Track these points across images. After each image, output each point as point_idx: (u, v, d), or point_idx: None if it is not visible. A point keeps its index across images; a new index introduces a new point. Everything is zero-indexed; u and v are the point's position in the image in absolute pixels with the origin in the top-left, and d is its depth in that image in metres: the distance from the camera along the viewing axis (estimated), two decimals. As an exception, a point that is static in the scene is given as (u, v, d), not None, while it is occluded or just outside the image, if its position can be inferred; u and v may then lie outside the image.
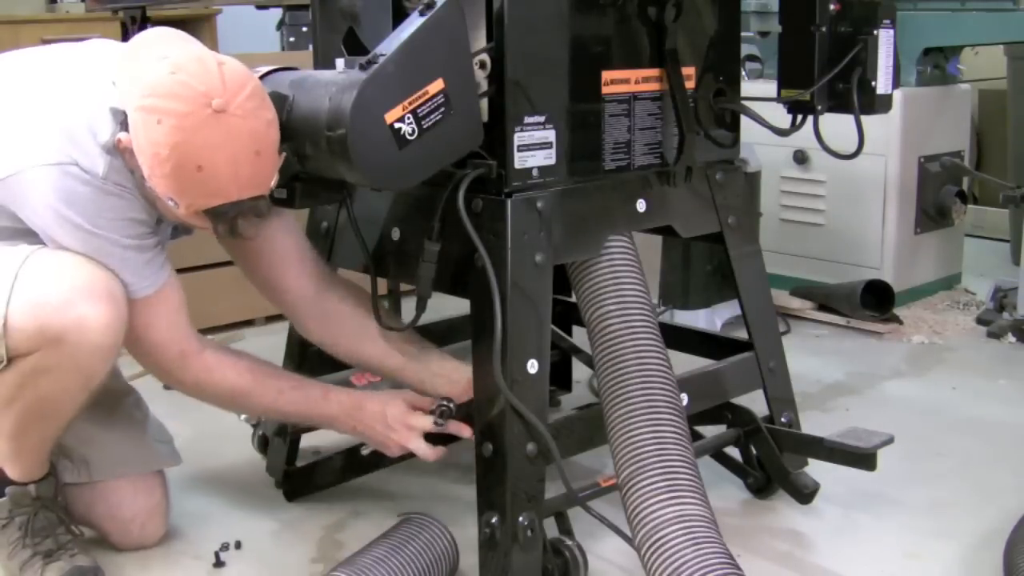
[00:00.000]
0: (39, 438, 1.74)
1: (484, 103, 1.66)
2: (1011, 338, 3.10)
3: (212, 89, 1.50)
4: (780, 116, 2.01)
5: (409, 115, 1.54)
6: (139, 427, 1.97)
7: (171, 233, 1.82)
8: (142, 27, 2.73)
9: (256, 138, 1.53)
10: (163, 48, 1.60)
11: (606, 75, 1.80)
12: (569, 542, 1.74)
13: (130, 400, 1.98)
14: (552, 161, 1.73)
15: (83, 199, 1.58)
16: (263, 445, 2.26)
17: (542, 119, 1.70)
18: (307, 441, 2.28)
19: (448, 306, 1.99)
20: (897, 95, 2.46)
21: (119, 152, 1.58)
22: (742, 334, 2.11)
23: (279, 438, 2.18)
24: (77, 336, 1.57)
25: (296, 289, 1.90)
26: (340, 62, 1.66)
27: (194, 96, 1.49)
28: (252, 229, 1.61)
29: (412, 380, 1.92)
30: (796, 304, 3.34)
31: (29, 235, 1.64)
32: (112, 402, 1.93)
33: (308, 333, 1.96)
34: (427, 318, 1.87)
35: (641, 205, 1.87)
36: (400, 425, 1.82)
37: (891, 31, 1.98)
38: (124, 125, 1.56)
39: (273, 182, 1.58)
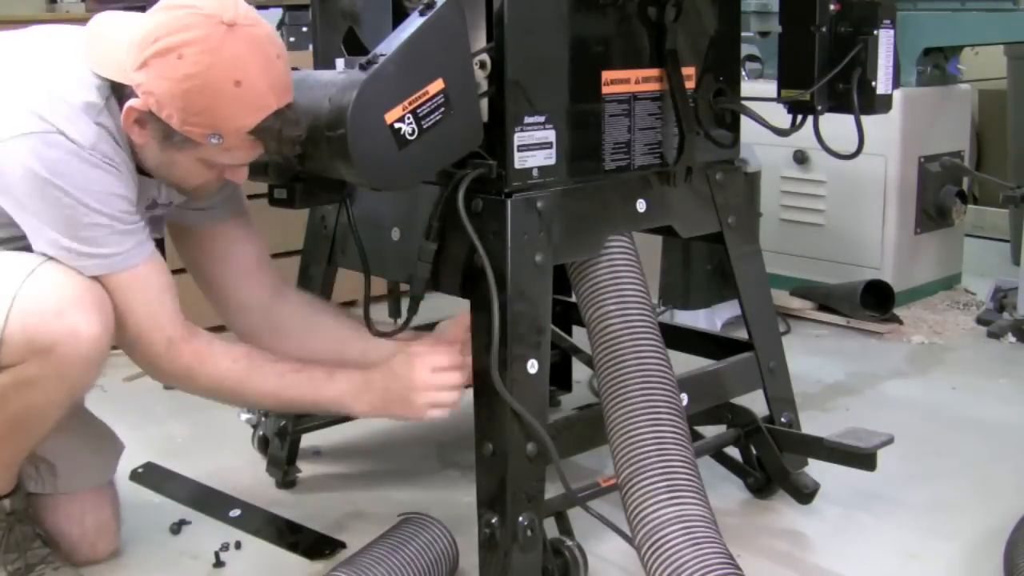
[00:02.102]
0: (15, 451, 1.70)
1: (484, 103, 1.66)
2: (1011, 338, 3.10)
3: (215, 9, 1.48)
4: (780, 116, 2.01)
5: (409, 115, 1.54)
6: (100, 433, 1.91)
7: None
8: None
9: (272, 41, 1.53)
10: (126, 19, 1.60)
11: (606, 75, 1.80)
12: (569, 542, 1.74)
13: (82, 399, 1.91)
14: (552, 161, 1.72)
15: (70, 169, 1.51)
16: (263, 445, 2.26)
17: (542, 119, 1.70)
18: (307, 441, 2.28)
19: (448, 306, 1.98)
20: (897, 95, 2.46)
21: (126, 128, 1.54)
22: (742, 334, 2.11)
23: (279, 438, 2.18)
24: (68, 347, 1.53)
25: (243, 302, 1.83)
26: (340, 62, 1.66)
27: (203, 19, 1.47)
28: (296, 145, 1.56)
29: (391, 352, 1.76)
30: (796, 304, 3.34)
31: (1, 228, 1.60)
32: (78, 409, 1.87)
33: (255, 343, 1.83)
34: (426, 318, 1.87)
35: (641, 205, 1.86)
36: (428, 388, 1.68)
37: (891, 31, 1.98)
38: (120, 99, 1.53)
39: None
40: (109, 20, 1.64)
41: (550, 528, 1.73)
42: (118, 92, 1.55)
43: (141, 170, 1.63)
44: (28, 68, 1.59)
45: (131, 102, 1.52)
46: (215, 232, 1.83)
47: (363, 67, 1.52)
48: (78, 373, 1.58)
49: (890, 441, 1.85)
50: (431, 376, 1.68)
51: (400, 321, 1.86)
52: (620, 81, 1.82)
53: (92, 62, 1.57)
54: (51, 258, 1.56)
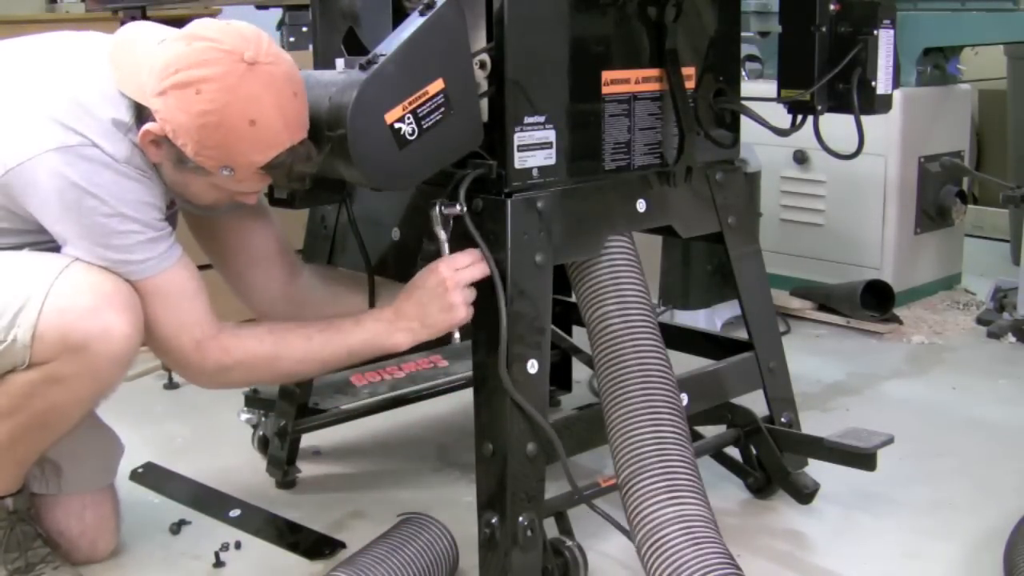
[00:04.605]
0: (31, 450, 1.70)
1: (484, 103, 1.66)
2: (1011, 338, 3.10)
3: (236, 45, 1.50)
4: (780, 116, 2.01)
5: (409, 115, 1.54)
6: (104, 434, 1.92)
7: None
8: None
9: (291, 80, 1.54)
10: (153, 34, 1.61)
11: (606, 75, 1.80)
12: (569, 542, 1.74)
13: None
14: (552, 161, 1.73)
15: (106, 179, 1.54)
16: (263, 445, 2.27)
17: (542, 119, 1.70)
18: (307, 441, 2.28)
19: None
20: (897, 95, 2.45)
21: (143, 146, 1.56)
22: (742, 334, 2.11)
23: (279, 438, 2.18)
24: (101, 345, 1.55)
25: (264, 288, 1.88)
26: (340, 62, 1.66)
27: (224, 56, 1.49)
28: (307, 178, 1.59)
29: None
30: (796, 304, 3.34)
31: (24, 235, 1.62)
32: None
33: None
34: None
35: (641, 205, 1.86)
36: (460, 284, 1.65)
37: (891, 31, 1.98)
38: (141, 119, 1.55)
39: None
40: (134, 33, 1.65)
41: (550, 528, 1.73)
42: (141, 108, 1.57)
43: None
44: (57, 79, 1.60)
45: (149, 125, 1.54)
46: (233, 222, 1.85)
47: (363, 67, 1.52)
48: (108, 372, 1.59)
49: (890, 441, 1.85)
50: (458, 273, 1.65)
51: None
52: (620, 81, 1.82)
53: (117, 78, 1.59)
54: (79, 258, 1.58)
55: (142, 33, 1.64)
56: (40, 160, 1.53)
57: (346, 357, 1.73)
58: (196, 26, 1.55)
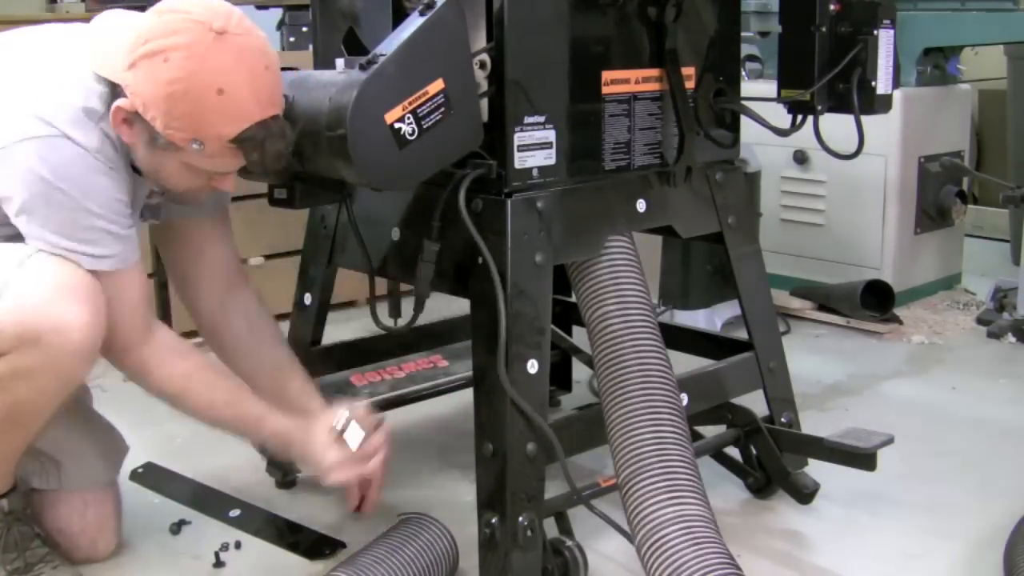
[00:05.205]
0: (9, 447, 1.69)
1: (484, 103, 1.67)
2: (1011, 338, 3.10)
3: (207, 16, 1.50)
4: (780, 116, 2.01)
5: (409, 115, 1.54)
6: (106, 433, 1.92)
7: (139, 214, 1.76)
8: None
9: (263, 53, 1.54)
10: (127, 18, 1.62)
11: (606, 75, 1.80)
12: (569, 542, 1.74)
13: (89, 399, 1.95)
14: (552, 161, 1.73)
15: (74, 172, 1.53)
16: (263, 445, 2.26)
17: (542, 119, 1.70)
18: (307, 441, 2.28)
19: (448, 306, 1.98)
20: (897, 95, 2.46)
21: (115, 126, 1.55)
22: (742, 334, 2.11)
23: (279, 438, 2.18)
24: (56, 336, 1.53)
25: (204, 296, 1.89)
26: (340, 62, 1.66)
27: (193, 25, 1.49)
28: (282, 157, 1.58)
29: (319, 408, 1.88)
30: (796, 304, 3.34)
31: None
32: (84, 407, 1.89)
33: (208, 340, 1.95)
34: (428, 318, 1.87)
35: (641, 205, 1.87)
36: (338, 466, 1.78)
37: (891, 31, 1.98)
38: (114, 96, 1.54)
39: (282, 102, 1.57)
40: (112, 18, 1.65)
41: (550, 528, 1.73)
42: (115, 96, 1.56)
43: (136, 168, 1.64)
44: (30, 71, 1.60)
45: (119, 102, 1.53)
46: (192, 228, 1.85)
47: (363, 67, 1.52)
48: (68, 365, 1.57)
49: (890, 441, 1.85)
50: (344, 467, 1.78)
51: (400, 320, 1.89)
52: (620, 81, 1.82)
53: (92, 60, 1.58)
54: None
55: (120, 17, 1.65)
56: (9, 152, 1.52)
57: (238, 435, 1.88)
58: (165, 3, 1.54)
